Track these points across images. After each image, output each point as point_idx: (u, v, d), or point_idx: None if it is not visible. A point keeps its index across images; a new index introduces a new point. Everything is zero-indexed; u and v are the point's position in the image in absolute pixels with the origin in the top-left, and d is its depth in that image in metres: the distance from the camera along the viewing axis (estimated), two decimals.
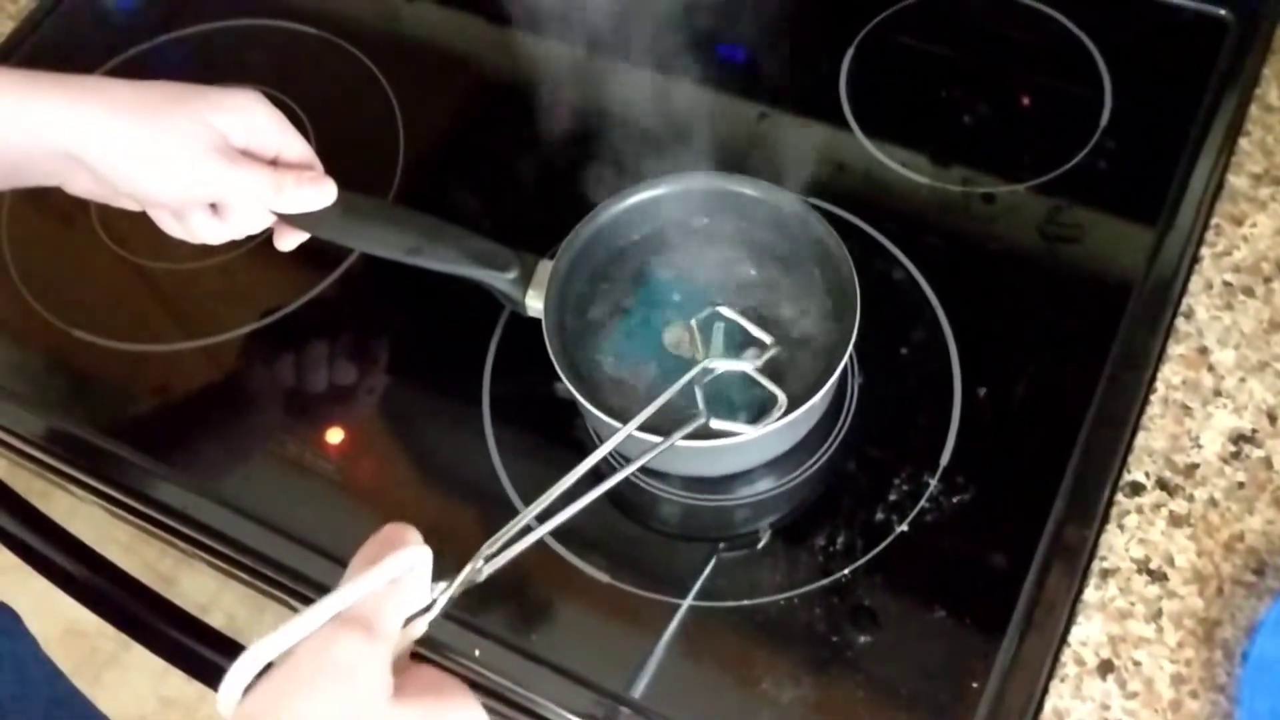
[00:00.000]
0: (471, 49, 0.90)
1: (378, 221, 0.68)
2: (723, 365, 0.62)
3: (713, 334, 0.64)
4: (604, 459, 0.57)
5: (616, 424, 0.59)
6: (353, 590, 0.42)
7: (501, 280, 0.67)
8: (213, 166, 0.62)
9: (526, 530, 0.51)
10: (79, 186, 0.64)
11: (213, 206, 0.66)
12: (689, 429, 0.59)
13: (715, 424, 0.60)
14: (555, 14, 0.88)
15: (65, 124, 0.59)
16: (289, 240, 0.69)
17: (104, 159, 0.60)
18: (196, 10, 0.93)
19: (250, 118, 0.64)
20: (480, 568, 0.49)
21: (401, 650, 0.45)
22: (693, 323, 0.64)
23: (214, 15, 0.92)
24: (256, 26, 0.91)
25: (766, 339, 0.64)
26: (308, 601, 0.62)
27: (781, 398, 0.61)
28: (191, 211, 0.66)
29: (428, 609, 0.46)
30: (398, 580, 0.44)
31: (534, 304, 0.66)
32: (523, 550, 0.51)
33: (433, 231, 0.68)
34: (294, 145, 0.66)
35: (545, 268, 0.67)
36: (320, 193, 0.66)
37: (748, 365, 0.62)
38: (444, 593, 0.46)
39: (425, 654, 0.63)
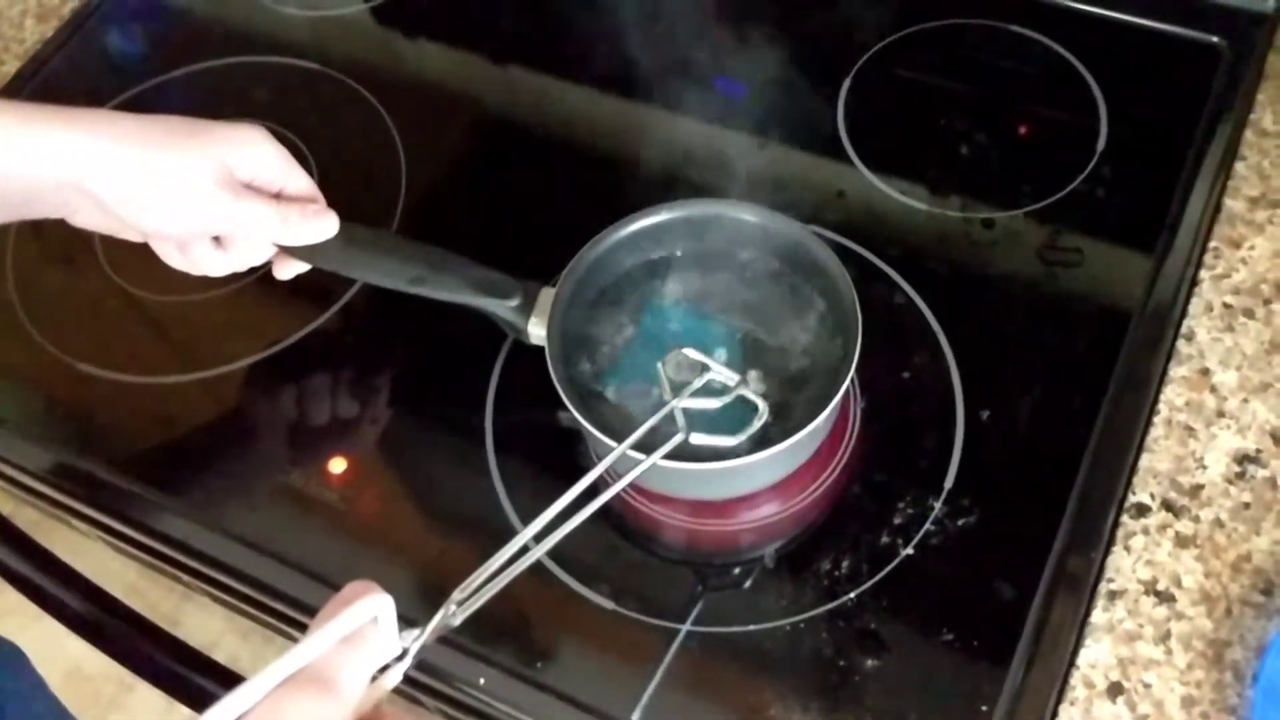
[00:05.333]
0: (472, 84, 0.91)
1: (379, 252, 0.69)
2: (688, 404, 0.61)
3: (679, 372, 0.64)
4: (604, 488, 0.57)
5: (613, 444, 0.58)
6: (305, 649, 0.41)
7: (504, 308, 0.67)
8: (219, 200, 0.63)
9: (504, 569, 0.49)
10: (85, 219, 0.65)
11: (216, 239, 0.67)
12: (669, 447, 0.59)
13: (696, 439, 0.60)
14: (554, 49, 0.90)
15: (73, 156, 0.60)
16: (288, 270, 0.70)
17: (110, 192, 0.61)
18: (200, 48, 0.94)
19: (255, 151, 0.65)
20: (453, 613, 0.48)
21: (374, 701, 0.44)
22: (660, 366, 0.63)
23: (218, 53, 0.93)
24: (261, 63, 0.93)
25: (731, 379, 0.63)
26: None
27: (762, 407, 0.61)
28: (195, 244, 0.66)
29: (401, 658, 0.45)
30: (361, 634, 0.43)
31: (537, 331, 0.67)
32: (499, 589, 0.49)
33: (434, 261, 0.68)
34: (298, 179, 0.67)
35: (548, 295, 0.67)
36: (323, 225, 0.67)
37: (714, 403, 0.62)
38: (416, 640, 0.46)
39: (431, 684, 0.63)
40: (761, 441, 0.61)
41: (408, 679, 0.62)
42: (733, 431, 0.61)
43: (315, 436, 0.73)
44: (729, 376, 0.63)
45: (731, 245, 0.70)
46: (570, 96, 0.88)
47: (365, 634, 0.43)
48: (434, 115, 0.89)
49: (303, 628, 0.67)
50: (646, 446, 0.59)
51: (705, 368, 0.63)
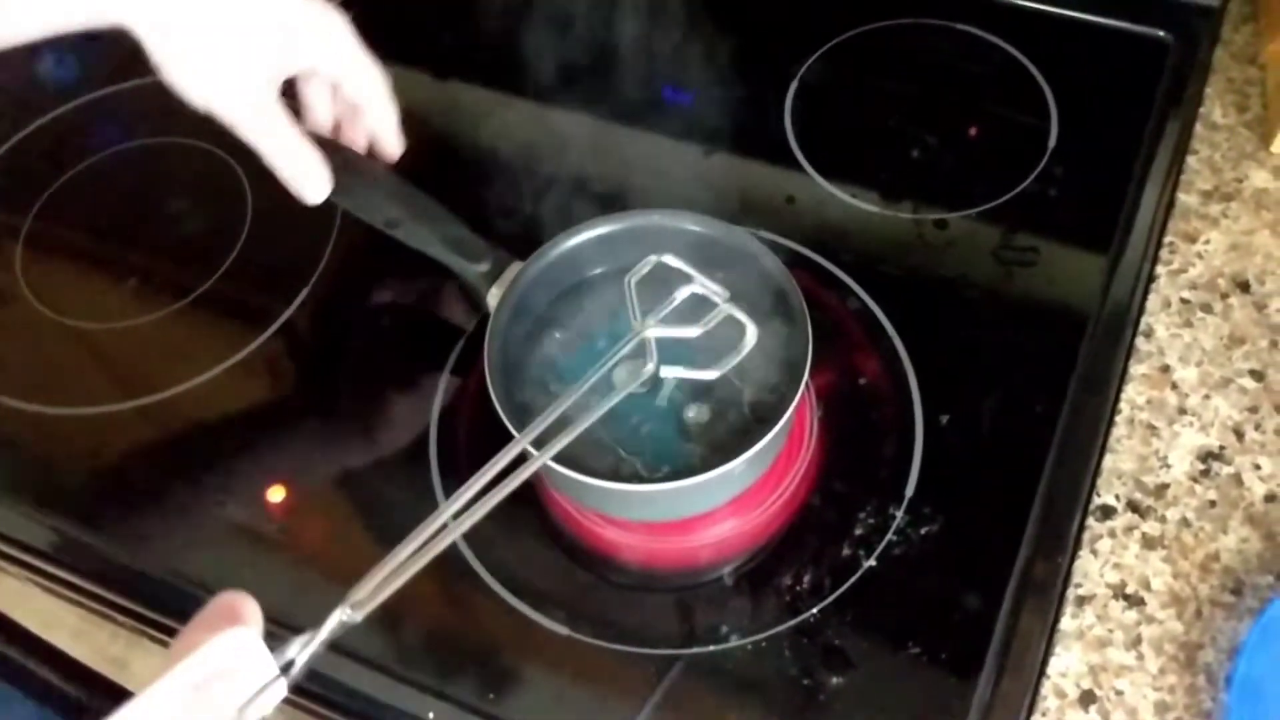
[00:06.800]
0: (412, 100, 0.88)
1: (366, 184, 0.68)
2: (662, 332, 0.54)
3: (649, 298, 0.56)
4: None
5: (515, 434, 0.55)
6: (146, 704, 0.37)
7: (471, 271, 0.65)
8: (260, 100, 0.60)
9: (410, 560, 0.44)
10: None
11: None
12: (638, 381, 0.54)
13: (666, 371, 0.54)
14: (496, 62, 0.88)
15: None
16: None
17: (152, 38, 0.57)
18: (131, 66, 0.91)
19: (332, 59, 0.62)
20: (350, 615, 0.42)
21: None
22: (629, 281, 0.56)
23: (149, 70, 0.90)
24: None
25: (719, 294, 0.55)
26: None
27: (751, 329, 0.54)
28: None
29: (287, 669, 0.40)
30: (220, 672, 0.38)
31: (495, 303, 0.64)
32: (402, 583, 0.44)
33: (416, 207, 0.67)
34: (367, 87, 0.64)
35: (515, 269, 0.65)
36: (314, 185, 0.64)
37: (693, 331, 0.55)
38: (305, 649, 0.41)
39: (373, 716, 0.60)
40: (715, 455, 0.59)
41: (344, 710, 0.59)
42: (708, 365, 0.54)
43: (254, 463, 0.70)
44: (716, 291, 0.55)
45: (682, 256, 0.68)
46: (513, 110, 0.86)
47: (227, 671, 0.39)
48: None
49: None
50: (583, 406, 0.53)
51: (688, 278, 0.55)
